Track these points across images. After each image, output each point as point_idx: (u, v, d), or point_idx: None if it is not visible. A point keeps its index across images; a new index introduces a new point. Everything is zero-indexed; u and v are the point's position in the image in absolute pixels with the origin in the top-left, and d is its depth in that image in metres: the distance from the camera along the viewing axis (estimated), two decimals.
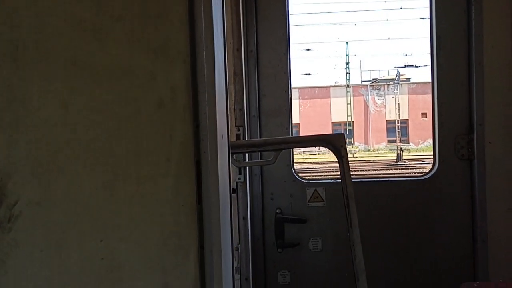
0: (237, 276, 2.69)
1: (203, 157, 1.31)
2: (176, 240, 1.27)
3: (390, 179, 3.10)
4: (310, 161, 23.37)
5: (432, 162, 3.10)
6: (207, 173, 1.31)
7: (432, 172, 3.05)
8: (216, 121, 1.33)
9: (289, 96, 3.08)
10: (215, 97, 1.34)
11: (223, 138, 1.49)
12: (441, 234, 3.02)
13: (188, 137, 1.28)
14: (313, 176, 12.54)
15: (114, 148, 1.16)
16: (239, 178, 2.64)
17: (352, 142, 32.41)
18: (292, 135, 3.10)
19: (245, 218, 2.63)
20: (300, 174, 3.13)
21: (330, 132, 22.10)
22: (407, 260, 3.03)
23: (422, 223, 3.02)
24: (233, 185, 2.74)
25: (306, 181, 3.08)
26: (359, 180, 3.09)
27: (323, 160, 22.19)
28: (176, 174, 1.27)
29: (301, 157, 25.34)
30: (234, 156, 2.60)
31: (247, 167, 2.83)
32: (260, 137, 3.06)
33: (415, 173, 13.32)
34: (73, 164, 1.07)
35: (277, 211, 3.07)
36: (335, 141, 2.55)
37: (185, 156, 1.28)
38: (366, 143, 33.81)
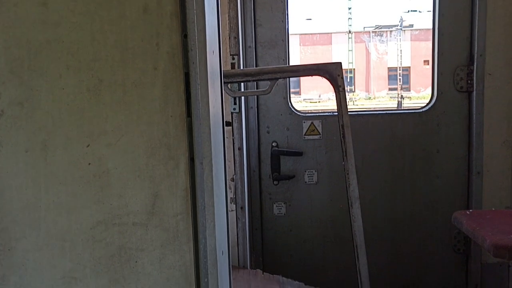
0: (232, 206, 2.73)
1: (191, 69, 1.27)
2: (165, 151, 1.26)
3: (387, 111, 3.05)
4: (311, 108, 23.29)
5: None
6: (197, 86, 1.28)
7: (430, 105, 3.01)
8: (205, 33, 1.29)
9: (286, 27, 3.00)
10: (204, 6, 1.28)
11: (214, 55, 1.45)
12: (436, 166, 3.03)
13: (175, 46, 1.24)
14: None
15: (98, 53, 1.12)
16: (234, 109, 2.61)
17: (353, 90, 32.17)
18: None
19: (240, 149, 2.63)
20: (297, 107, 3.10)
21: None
22: (401, 191, 3.06)
23: (418, 156, 3.03)
24: (228, 118, 2.72)
25: (303, 114, 3.06)
26: (355, 112, 3.06)
27: (324, 107, 22.12)
28: (163, 84, 1.24)
29: (302, 105, 25.24)
30: (228, 85, 2.57)
31: (243, 99, 2.80)
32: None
33: None
34: (55, 65, 1.04)
35: (273, 144, 3.06)
36: (332, 70, 2.50)
37: (173, 66, 1.24)
38: (367, 90, 33.56)
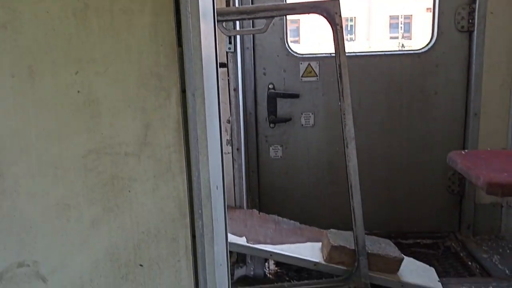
0: (228, 148, 2.73)
1: None
2: (156, 81, 1.23)
3: (385, 52, 3.00)
4: None
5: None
6: (187, 14, 1.24)
7: (430, 45, 2.96)
8: None
9: None
10: None
11: None
12: (434, 107, 3.01)
13: None
14: None
15: None
16: (229, 48, 2.56)
17: (353, 39, 31.60)
18: None
19: (236, 90, 2.60)
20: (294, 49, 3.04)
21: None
22: (398, 133, 3.06)
23: (416, 97, 3.00)
24: (223, 59, 2.66)
25: (300, 55, 3.01)
26: (353, 54, 3.00)
27: None
28: (153, 11, 1.20)
29: None
30: (223, 24, 2.50)
31: (238, 39, 2.74)
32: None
33: None
34: None
35: (269, 86, 3.03)
36: (330, 8, 2.43)
37: None
38: (368, 39, 32.96)
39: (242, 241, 2.41)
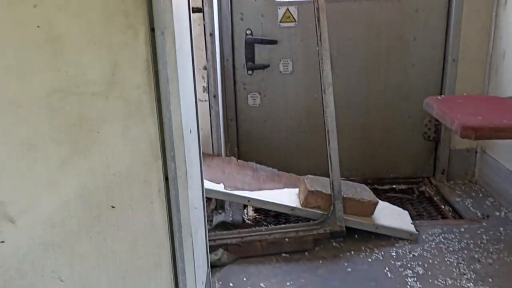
0: (205, 96, 2.69)
1: None
2: (122, 18, 1.18)
3: None
4: None
5: None
6: None
7: None
8: None
9: None
10: None
11: None
12: (412, 53, 2.99)
13: None
14: None
15: None
16: None
17: None
18: None
19: (212, 35, 2.53)
20: None
21: None
22: (376, 79, 3.05)
23: (395, 42, 2.98)
24: (199, 3, 2.58)
25: (278, 0, 2.92)
26: None
27: None
28: None
29: None
30: None
31: None
32: None
33: None
34: None
35: (247, 32, 2.96)
36: None
37: None
38: None
39: (220, 187, 2.42)
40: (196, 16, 2.55)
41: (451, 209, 2.83)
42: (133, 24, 1.19)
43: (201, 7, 2.59)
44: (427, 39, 2.96)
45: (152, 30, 1.23)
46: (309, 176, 2.55)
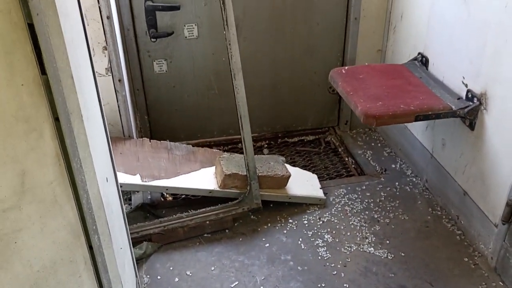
0: (109, 78, 2.55)
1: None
2: (24, 125, 1.12)
3: None
4: None
5: None
6: (46, 38, 1.06)
7: None
8: None
9: None
10: None
11: None
12: (317, 13, 3.00)
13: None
14: None
15: None
16: None
17: None
18: None
19: (109, 18, 2.33)
20: None
21: None
22: (283, 39, 3.05)
23: (300, 3, 2.94)
24: None
25: None
26: None
27: None
28: (3, 49, 1.01)
29: None
30: None
31: None
32: None
33: None
34: None
35: None
36: None
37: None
38: None
39: (136, 179, 2.43)
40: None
41: (353, 161, 3.09)
42: (36, 126, 1.11)
43: None
44: None
45: (57, 119, 1.16)
46: (224, 155, 2.62)
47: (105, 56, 2.50)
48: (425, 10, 2.60)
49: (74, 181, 1.24)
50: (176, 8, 2.77)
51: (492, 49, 2.09)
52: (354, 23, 3.00)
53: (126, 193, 2.70)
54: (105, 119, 1.63)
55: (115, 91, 2.50)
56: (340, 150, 3.25)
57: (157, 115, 3.11)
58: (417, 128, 2.83)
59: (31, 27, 1.04)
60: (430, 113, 2.24)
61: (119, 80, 2.48)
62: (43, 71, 1.09)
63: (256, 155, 2.58)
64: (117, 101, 2.53)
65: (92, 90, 1.50)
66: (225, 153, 2.70)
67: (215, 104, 3.17)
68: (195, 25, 2.89)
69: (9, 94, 1.04)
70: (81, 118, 1.21)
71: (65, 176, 1.21)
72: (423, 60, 2.66)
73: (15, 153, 1.09)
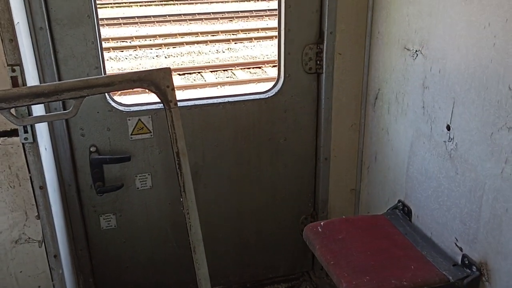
0: (42, 250, 2.12)
1: None
2: None
3: (229, 99, 2.58)
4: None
5: None
6: None
7: (277, 89, 2.61)
8: None
9: None
10: None
11: None
12: (284, 155, 2.74)
13: None
14: None
15: None
16: (26, 139, 1.88)
17: None
18: (101, 50, 2.30)
19: (42, 188, 1.96)
20: (119, 101, 2.44)
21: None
22: (248, 183, 2.75)
23: (265, 146, 2.69)
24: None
25: (127, 110, 2.42)
26: (192, 103, 2.51)
27: None
28: None
29: None
30: (13, 110, 1.81)
31: None
32: (54, 59, 2.21)
33: None
34: None
35: (91, 149, 2.42)
36: (159, 80, 1.90)
37: None
38: None
39: None
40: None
41: None
42: None
43: (23, 151, 1.96)
44: (298, 139, 2.72)
45: None
46: None
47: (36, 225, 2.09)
48: (402, 156, 2.37)
49: None
50: (126, 159, 2.45)
51: (490, 214, 1.83)
52: (325, 163, 2.76)
53: None
54: None
55: (50, 269, 2.07)
56: None
57: (104, 276, 2.66)
58: None
59: None
60: None
61: (55, 256, 2.05)
62: None
63: None
64: (52, 280, 2.09)
65: None
66: None
67: (173, 258, 2.76)
68: (149, 174, 2.55)
69: None
70: None
71: None
72: (405, 210, 2.38)
73: None
